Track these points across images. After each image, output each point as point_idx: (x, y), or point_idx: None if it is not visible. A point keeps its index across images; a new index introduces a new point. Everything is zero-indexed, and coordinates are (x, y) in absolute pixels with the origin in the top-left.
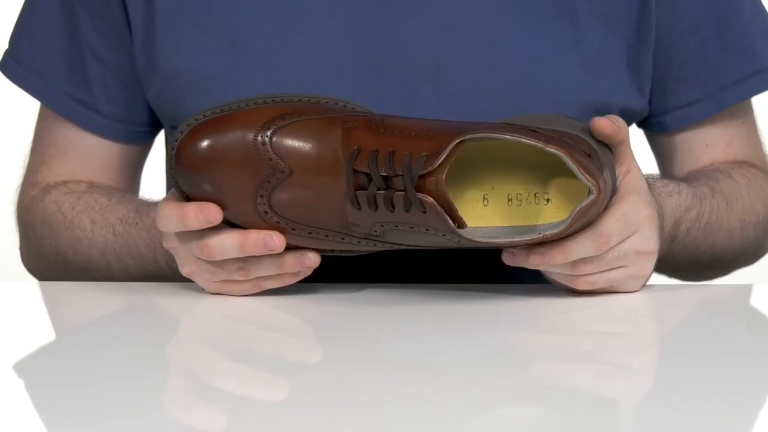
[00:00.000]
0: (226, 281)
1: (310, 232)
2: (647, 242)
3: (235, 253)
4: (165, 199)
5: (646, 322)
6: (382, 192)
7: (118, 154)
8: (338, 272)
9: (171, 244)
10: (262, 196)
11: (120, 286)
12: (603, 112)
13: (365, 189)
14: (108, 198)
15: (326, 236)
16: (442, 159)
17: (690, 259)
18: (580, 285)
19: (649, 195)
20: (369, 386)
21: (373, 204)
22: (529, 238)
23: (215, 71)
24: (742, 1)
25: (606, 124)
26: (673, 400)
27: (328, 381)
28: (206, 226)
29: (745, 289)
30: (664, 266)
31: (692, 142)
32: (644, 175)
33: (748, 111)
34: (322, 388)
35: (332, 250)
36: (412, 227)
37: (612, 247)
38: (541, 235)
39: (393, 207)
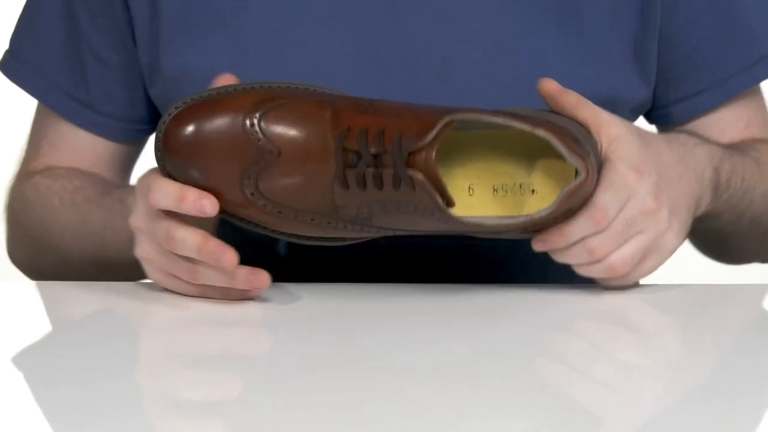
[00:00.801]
0: (172, 276)
1: (296, 215)
2: (645, 200)
3: (192, 253)
4: (155, 174)
5: (648, 322)
6: (372, 169)
7: (110, 151)
8: (330, 272)
9: (137, 224)
10: (249, 177)
11: (116, 286)
12: (609, 105)
13: (354, 167)
14: (82, 181)
15: (312, 220)
16: (432, 136)
17: (732, 219)
18: (616, 270)
19: (640, 156)
20: (367, 387)
21: (362, 182)
22: (517, 222)
23: (220, 69)
24: None
25: (549, 84)
26: (674, 402)
27: (322, 382)
28: (199, 215)
29: (750, 289)
30: (709, 229)
31: (707, 129)
32: (663, 135)
33: (759, 91)
34: (315, 389)
35: (318, 237)
36: (400, 207)
37: (615, 219)
38: (528, 218)
39: (382, 185)
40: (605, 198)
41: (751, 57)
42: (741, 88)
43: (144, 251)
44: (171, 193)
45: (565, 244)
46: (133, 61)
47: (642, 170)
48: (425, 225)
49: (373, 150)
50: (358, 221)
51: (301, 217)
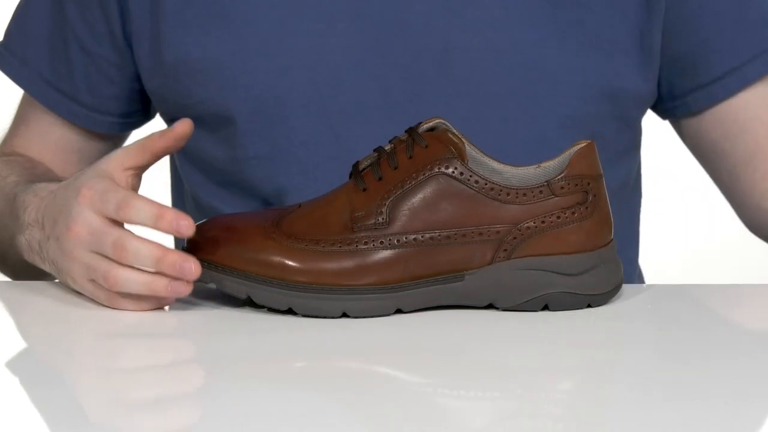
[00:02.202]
0: (89, 282)
1: (315, 244)
2: None
3: (148, 264)
4: (117, 188)
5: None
6: (386, 154)
7: (87, 142)
8: None
9: (76, 229)
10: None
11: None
12: (611, 94)
13: (370, 165)
14: (21, 168)
15: (329, 247)
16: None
17: None
18: None
19: None
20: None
21: (378, 170)
22: (527, 171)
23: (223, 58)
24: None
25: None
26: (676, 403)
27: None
28: (175, 234)
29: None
30: None
31: (746, 107)
32: None
33: None
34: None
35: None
36: (415, 200)
37: None
38: (538, 167)
39: (397, 163)
40: None
41: (765, 43)
42: (757, 74)
43: (74, 257)
44: (148, 211)
45: None
46: (121, 54)
47: None
48: (442, 216)
49: (388, 147)
50: (378, 229)
51: (318, 248)
